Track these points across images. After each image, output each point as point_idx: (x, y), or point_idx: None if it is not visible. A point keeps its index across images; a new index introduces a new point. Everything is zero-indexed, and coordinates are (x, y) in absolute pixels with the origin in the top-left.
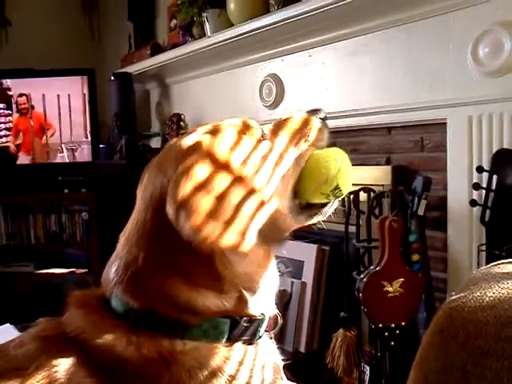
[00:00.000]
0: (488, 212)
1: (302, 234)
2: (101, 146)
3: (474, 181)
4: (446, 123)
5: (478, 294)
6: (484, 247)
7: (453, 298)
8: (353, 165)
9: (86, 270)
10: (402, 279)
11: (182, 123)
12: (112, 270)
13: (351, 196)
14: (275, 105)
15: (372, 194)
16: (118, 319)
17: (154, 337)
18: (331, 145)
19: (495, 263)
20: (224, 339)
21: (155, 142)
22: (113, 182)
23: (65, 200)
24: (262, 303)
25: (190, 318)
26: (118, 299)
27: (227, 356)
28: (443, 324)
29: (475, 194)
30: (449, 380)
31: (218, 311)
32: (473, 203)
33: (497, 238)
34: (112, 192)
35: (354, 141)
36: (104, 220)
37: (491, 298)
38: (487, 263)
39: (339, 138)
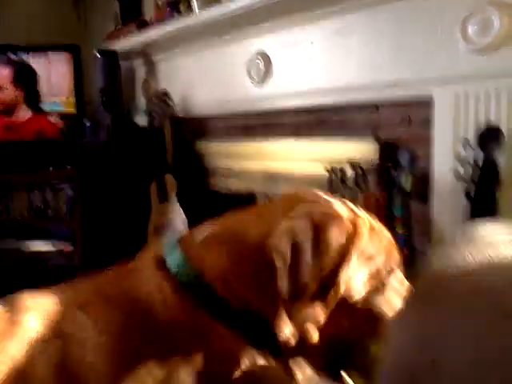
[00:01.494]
0: (473, 186)
1: None
2: (86, 123)
3: (461, 155)
4: (432, 99)
5: (457, 257)
6: (468, 222)
7: (434, 260)
8: (339, 139)
9: (71, 245)
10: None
11: (168, 101)
12: (197, 241)
13: (339, 171)
14: (263, 82)
15: (358, 169)
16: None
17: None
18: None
19: (481, 225)
20: None
21: (142, 120)
22: (98, 159)
23: (50, 177)
24: None
25: None
26: (189, 269)
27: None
28: (421, 287)
29: (460, 169)
30: (425, 343)
31: None
32: (458, 178)
33: (480, 212)
34: (97, 169)
35: (342, 118)
36: (88, 197)
37: (470, 264)
38: None
39: (327, 114)
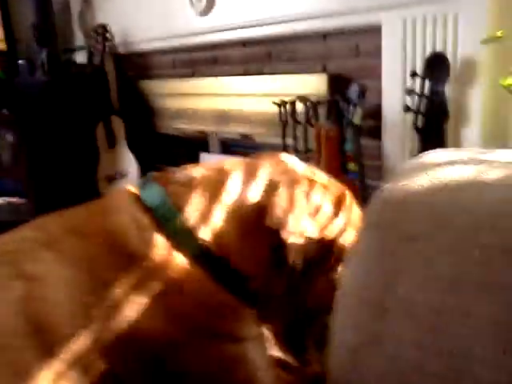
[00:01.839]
0: (421, 118)
1: (239, 149)
2: (19, 62)
3: (408, 86)
4: (380, 28)
5: (407, 182)
6: (416, 153)
7: (384, 187)
8: (288, 73)
9: (20, 198)
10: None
11: (107, 35)
12: (196, 209)
13: (288, 106)
14: (206, 12)
15: (308, 104)
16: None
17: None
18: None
19: (427, 153)
20: None
21: (81, 57)
22: (36, 100)
23: None
24: None
25: None
26: (167, 204)
27: None
28: (373, 215)
29: (409, 101)
30: (381, 266)
31: None
32: (406, 109)
33: (429, 144)
34: (36, 112)
35: (290, 49)
36: (31, 143)
37: (419, 187)
38: None
39: (275, 46)
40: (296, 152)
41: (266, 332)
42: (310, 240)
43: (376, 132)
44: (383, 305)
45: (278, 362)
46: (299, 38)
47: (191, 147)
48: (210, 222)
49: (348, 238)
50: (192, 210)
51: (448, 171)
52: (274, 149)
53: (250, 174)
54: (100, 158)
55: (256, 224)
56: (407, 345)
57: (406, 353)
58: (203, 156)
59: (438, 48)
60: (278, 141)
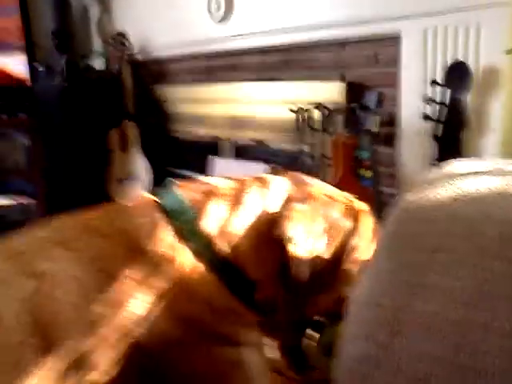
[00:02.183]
0: (440, 127)
1: (253, 155)
2: (39, 69)
3: (428, 94)
4: (399, 36)
5: (432, 192)
6: (435, 163)
7: (404, 198)
8: (306, 81)
9: (31, 200)
10: (356, 196)
11: (126, 42)
12: (215, 217)
13: (305, 114)
14: (224, 19)
15: (325, 112)
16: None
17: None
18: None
19: (450, 162)
20: None
21: (98, 64)
22: (53, 106)
23: (3, 126)
24: None
25: None
26: (185, 209)
27: None
28: (393, 225)
29: (428, 109)
30: (400, 278)
31: None
32: (426, 118)
33: (447, 153)
34: (53, 116)
35: (308, 57)
36: (46, 146)
37: (444, 197)
38: None
39: (293, 53)
40: (312, 158)
41: (268, 341)
42: (316, 255)
43: (391, 140)
44: (399, 318)
45: (277, 370)
46: (318, 45)
47: (204, 152)
48: (227, 230)
49: (360, 255)
50: (210, 217)
51: (473, 182)
52: (289, 155)
53: (267, 189)
54: (113, 161)
55: (268, 235)
56: (423, 360)
57: (422, 368)
58: (215, 161)
59: (460, 56)
60: (291, 147)
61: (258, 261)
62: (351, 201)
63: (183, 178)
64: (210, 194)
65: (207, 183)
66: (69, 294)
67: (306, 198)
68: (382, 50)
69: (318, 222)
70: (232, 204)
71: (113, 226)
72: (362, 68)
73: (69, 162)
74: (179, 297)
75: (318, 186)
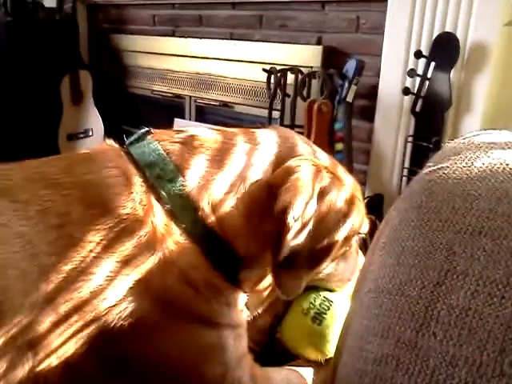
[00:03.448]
0: (420, 102)
1: (217, 119)
2: None
3: (410, 67)
4: (386, 1)
5: (464, 164)
6: (411, 139)
7: (430, 169)
8: (280, 42)
9: None
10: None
11: None
12: (199, 174)
13: (278, 75)
14: None
15: (300, 76)
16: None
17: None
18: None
19: (471, 134)
20: None
21: (49, 2)
22: None
23: None
24: None
25: None
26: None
27: None
28: (421, 198)
29: (409, 83)
30: (429, 263)
31: None
32: (406, 91)
33: (425, 129)
34: None
35: (283, 15)
36: None
37: (481, 169)
38: (413, 155)
39: (266, 11)
40: (282, 126)
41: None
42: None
43: (368, 113)
44: (429, 311)
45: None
46: (294, 3)
47: (163, 111)
48: (213, 191)
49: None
50: (192, 174)
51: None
52: (256, 121)
53: (256, 145)
54: (63, 114)
55: (264, 204)
56: (456, 363)
57: (454, 373)
58: (177, 122)
59: (447, 28)
60: (260, 112)
61: (250, 232)
62: (348, 178)
63: None
64: (191, 146)
65: (187, 132)
66: (14, 254)
67: (297, 156)
68: (365, 14)
69: (311, 188)
70: (217, 161)
71: (71, 175)
72: (342, 33)
73: (13, 110)
74: (150, 267)
75: (308, 148)
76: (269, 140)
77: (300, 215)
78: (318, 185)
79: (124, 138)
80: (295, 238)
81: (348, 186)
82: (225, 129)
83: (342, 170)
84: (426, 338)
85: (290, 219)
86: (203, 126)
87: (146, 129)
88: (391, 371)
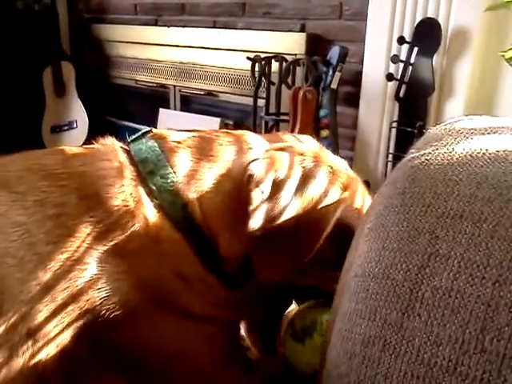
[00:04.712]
0: (403, 88)
1: (202, 108)
2: None
3: (393, 53)
4: None
5: (445, 150)
6: (395, 124)
7: (413, 155)
8: (264, 30)
9: None
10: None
11: None
12: (188, 170)
13: (262, 63)
14: None
15: (284, 64)
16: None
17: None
18: None
19: (452, 120)
20: None
21: None
22: None
23: None
24: None
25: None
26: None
27: None
28: (404, 185)
29: (392, 69)
30: (413, 247)
31: None
32: (389, 77)
33: (409, 115)
34: None
35: (267, 2)
36: None
37: (462, 155)
38: (398, 141)
39: None
40: (267, 115)
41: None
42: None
43: (353, 100)
44: (414, 293)
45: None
46: None
47: (147, 101)
48: (203, 189)
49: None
50: (186, 172)
51: (494, 140)
52: (241, 109)
53: (245, 145)
54: (46, 107)
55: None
56: (440, 342)
57: (438, 351)
58: (162, 112)
59: (429, 13)
60: (245, 101)
61: (233, 226)
62: (340, 166)
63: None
64: (186, 145)
65: (186, 133)
66: (11, 244)
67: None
68: (348, 1)
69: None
70: (210, 160)
71: (67, 167)
72: (325, 19)
73: None
74: (143, 259)
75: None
76: (259, 141)
77: (269, 189)
78: (298, 166)
79: (127, 136)
80: (263, 211)
81: (339, 170)
82: (223, 130)
83: (330, 155)
84: (411, 319)
85: (252, 187)
86: (188, 116)
87: (148, 128)
88: (379, 352)
